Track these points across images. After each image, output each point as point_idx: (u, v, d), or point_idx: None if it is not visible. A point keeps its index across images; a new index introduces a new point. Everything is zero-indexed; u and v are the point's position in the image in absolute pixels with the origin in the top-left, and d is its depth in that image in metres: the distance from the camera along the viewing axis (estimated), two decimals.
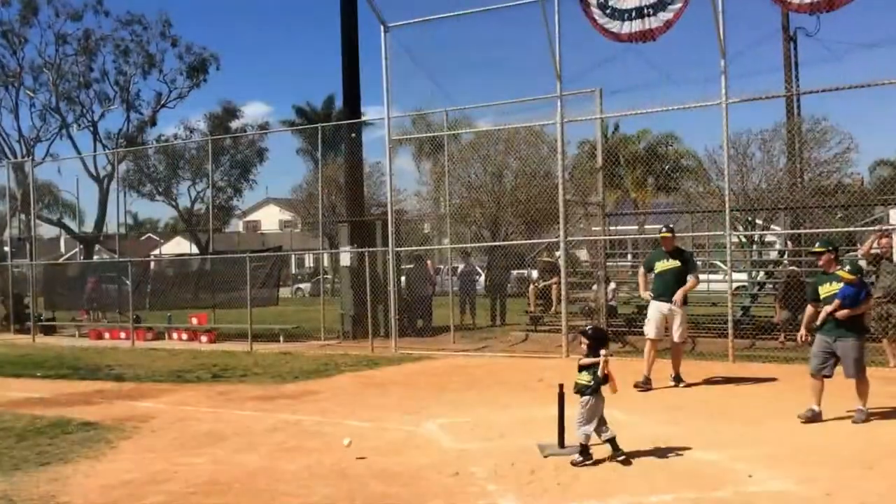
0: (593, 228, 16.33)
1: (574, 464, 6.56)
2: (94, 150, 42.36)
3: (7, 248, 25.08)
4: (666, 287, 10.39)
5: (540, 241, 18.19)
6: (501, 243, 20.54)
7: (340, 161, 24.95)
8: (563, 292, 14.07)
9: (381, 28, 15.35)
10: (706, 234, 18.52)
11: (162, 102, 43.55)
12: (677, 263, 10.39)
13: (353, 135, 19.55)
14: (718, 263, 19.30)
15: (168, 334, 19.39)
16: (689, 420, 8.24)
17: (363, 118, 20.90)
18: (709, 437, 7.50)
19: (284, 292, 31.22)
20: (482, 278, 22.57)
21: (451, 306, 17.13)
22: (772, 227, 20.52)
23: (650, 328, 10.57)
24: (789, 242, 17.90)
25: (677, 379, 10.42)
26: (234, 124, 45.62)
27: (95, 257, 37.66)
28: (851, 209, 16.04)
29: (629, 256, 20.30)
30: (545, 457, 6.88)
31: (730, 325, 12.43)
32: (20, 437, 8.51)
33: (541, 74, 14.45)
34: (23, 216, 31.34)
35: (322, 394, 10.84)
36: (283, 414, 9.43)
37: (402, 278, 18.46)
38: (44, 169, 58.17)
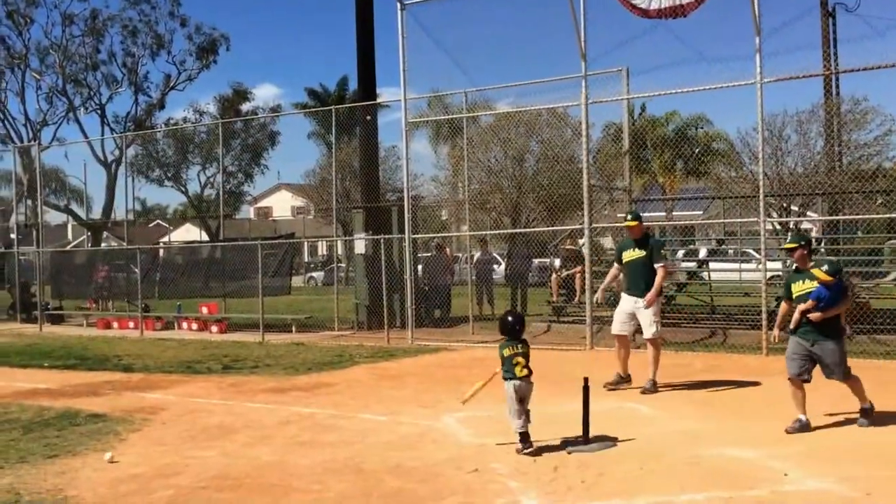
0: (619, 215, 16.22)
1: (518, 452, 6.88)
2: (102, 134, 42.74)
3: (13, 235, 25.32)
4: (631, 279, 9.98)
5: (563, 227, 18.10)
6: (522, 230, 20.46)
7: (355, 145, 24.94)
8: (587, 282, 14.01)
9: (398, 5, 15.28)
10: (738, 220, 18.37)
11: (171, 84, 43.83)
12: (642, 253, 9.83)
13: (369, 117, 19.53)
14: (751, 252, 19.14)
15: (178, 324, 19.52)
16: (719, 416, 8.18)
17: (378, 100, 20.87)
18: (740, 433, 7.44)
19: (297, 281, 31.34)
20: (501, 267, 22.50)
21: (470, 296, 17.11)
22: (808, 213, 20.31)
23: (614, 323, 10.21)
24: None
25: (652, 386, 9.63)
26: (245, 107, 45.85)
27: (103, 244, 37.98)
28: (893, 195, 15.82)
29: None
30: (569, 453, 6.86)
31: (763, 316, 12.31)
32: (27, 428, 8.59)
33: (564, 54, 14.36)
34: (29, 202, 31.66)
35: (336, 386, 10.86)
36: (295, 407, 9.47)
37: (419, 266, 18.46)
38: (50, 154, 58.72)
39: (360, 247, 17.84)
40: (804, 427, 7.46)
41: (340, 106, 25.23)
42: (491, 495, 5.87)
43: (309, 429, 8.29)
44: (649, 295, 9.67)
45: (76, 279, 22.64)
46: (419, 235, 17.18)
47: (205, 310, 19.30)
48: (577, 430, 7.10)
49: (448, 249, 21.14)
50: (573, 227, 16.87)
